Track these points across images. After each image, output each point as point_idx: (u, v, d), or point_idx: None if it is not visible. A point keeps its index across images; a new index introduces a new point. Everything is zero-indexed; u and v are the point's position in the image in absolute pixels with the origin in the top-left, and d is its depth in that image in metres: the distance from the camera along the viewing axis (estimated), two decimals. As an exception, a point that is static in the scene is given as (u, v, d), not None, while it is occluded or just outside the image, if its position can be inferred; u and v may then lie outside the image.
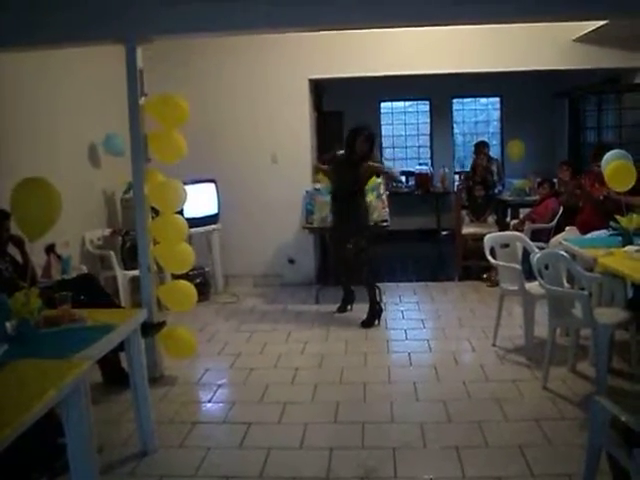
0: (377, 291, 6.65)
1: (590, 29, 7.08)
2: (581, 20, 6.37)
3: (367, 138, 6.30)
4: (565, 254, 4.95)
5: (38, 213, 3.52)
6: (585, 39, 7.49)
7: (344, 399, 4.60)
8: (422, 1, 4.63)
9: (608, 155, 5.60)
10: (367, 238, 6.48)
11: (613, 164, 5.44)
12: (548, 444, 3.79)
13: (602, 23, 6.62)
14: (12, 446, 2.14)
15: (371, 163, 6.40)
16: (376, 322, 6.47)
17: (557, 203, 7.79)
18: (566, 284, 5.18)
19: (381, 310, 6.61)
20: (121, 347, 3.71)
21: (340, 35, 6.87)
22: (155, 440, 3.91)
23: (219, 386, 5.01)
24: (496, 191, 9.32)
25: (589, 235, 5.75)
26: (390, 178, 7.84)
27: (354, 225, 6.42)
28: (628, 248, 4.79)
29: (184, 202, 5.22)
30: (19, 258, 4.85)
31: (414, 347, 5.74)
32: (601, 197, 6.22)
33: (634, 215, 5.13)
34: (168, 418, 4.37)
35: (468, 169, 9.95)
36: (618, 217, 5.18)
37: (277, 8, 4.70)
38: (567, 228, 6.62)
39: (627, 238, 5.00)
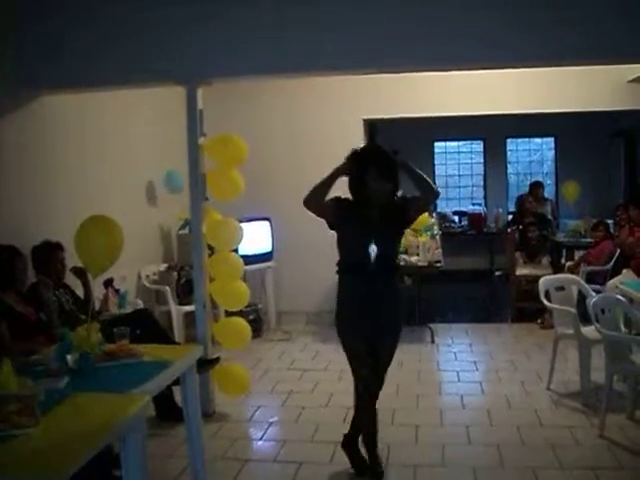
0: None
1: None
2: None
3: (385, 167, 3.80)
4: (622, 298, 4.87)
5: (102, 250, 3.62)
6: (640, 80, 7.42)
7: (395, 441, 4.55)
8: (487, 43, 4.61)
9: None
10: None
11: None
12: (605, 494, 3.71)
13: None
14: (71, 477, 2.18)
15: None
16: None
17: (613, 245, 7.68)
18: (623, 329, 5.07)
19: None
20: (174, 381, 3.76)
21: (394, 76, 6.91)
22: (207, 476, 3.91)
23: (270, 424, 5.03)
24: (550, 232, 9.23)
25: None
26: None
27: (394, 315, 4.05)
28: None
29: (240, 240, 5.31)
30: (78, 290, 4.95)
31: (466, 389, 5.67)
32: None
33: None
34: (220, 455, 4.39)
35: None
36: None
37: (333, 52, 4.77)
38: (624, 271, 6.53)
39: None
